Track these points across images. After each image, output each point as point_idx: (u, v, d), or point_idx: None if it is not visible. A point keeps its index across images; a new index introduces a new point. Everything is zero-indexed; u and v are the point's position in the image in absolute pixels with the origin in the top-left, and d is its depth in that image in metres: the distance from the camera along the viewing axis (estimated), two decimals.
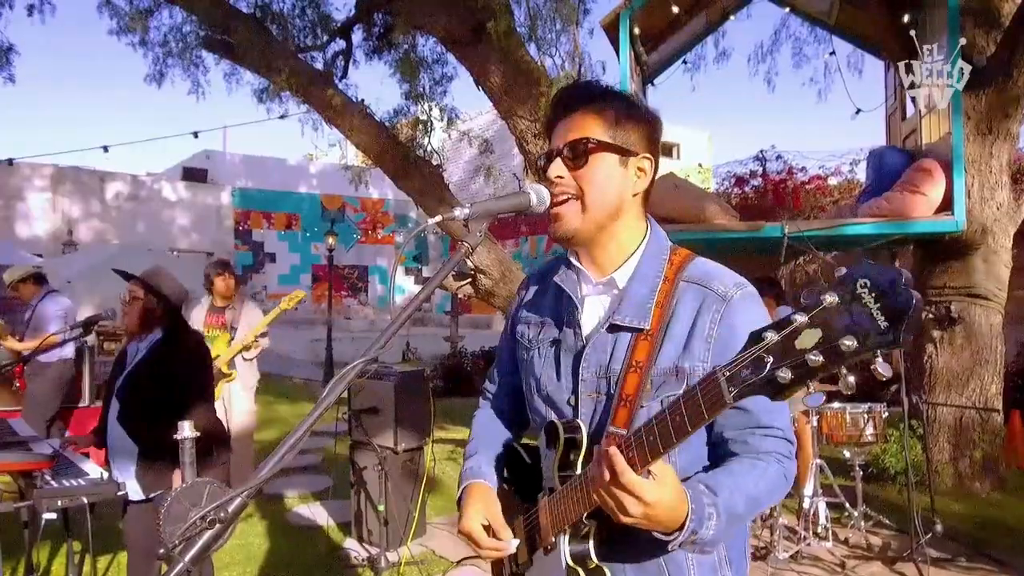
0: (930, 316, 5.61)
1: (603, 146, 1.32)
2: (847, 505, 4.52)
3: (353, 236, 20.71)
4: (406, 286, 22.31)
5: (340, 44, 8.20)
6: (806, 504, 4.44)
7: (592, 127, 1.33)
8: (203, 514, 0.85)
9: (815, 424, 4.51)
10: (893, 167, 5.79)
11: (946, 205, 5.15)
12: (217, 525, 0.87)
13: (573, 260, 1.41)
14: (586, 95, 1.37)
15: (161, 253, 14.38)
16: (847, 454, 4.65)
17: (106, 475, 2.87)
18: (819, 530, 4.41)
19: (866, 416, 4.48)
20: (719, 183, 14.04)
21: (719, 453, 1.30)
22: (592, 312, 1.38)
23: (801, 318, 0.86)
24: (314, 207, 20.91)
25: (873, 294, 0.82)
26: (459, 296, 8.06)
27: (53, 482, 2.70)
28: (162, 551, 0.84)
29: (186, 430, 1.04)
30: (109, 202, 17.86)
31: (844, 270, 0.86)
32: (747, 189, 12.51)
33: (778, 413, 1.27)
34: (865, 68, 8.47)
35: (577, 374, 1.34)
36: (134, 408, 3.31)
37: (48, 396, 6.26)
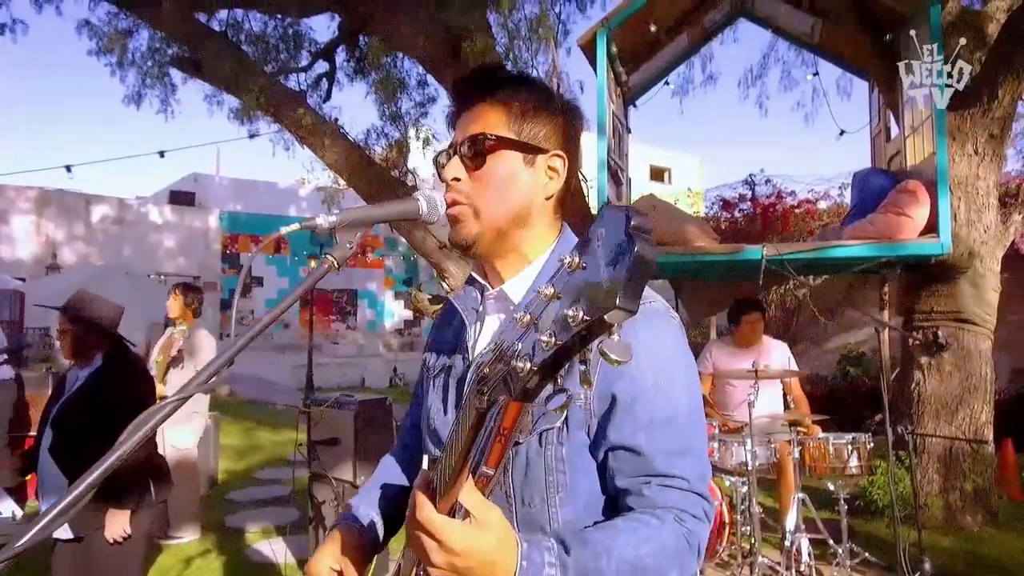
0: (917, 342, 5.43)
1: (504, 143, 1.12)
2: (831, 541, 4.30)
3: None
4: (395, 311, 22.10)
5: (324, 66, 8.14)
6: (788, 540, 4.23)
7: (493, 120, 1.13)
8: None
9: (797, 455, 4.31)
10: (878, 189, 5.65)
11: (931, 227, 5.00)
12: None
13: (476, 275, 1.23)
14: (489, 83, 1.17)
15: (141, 276, 14.18)
16: (832, 486, 4.43)
17: (20, 513, 2.67)
18: (802, 567, 4.18)
19: (850, 447, 4.27)
20: (709, 207, 13.95)
21: (617, 508, 1.07)
22: (490, 332, 1.18)
23: (547, 288, 0.66)
24: (307, 231, 20.75)
25: (605, 246, 0.62)
26: (436, 320, 7.85)
27: None
28: None
29: None
30: (95, 225, 17.68)
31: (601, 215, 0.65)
32: (736, 213, 12.41)
33: (684, 458, 1.05)
34: (854, 90, 8.43)
35: (462, 404, 1.15)
36: (67, 439, 3.11)
37: None
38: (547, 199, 1.17)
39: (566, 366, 0.66)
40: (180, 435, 5.05)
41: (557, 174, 1.17)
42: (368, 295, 21.88)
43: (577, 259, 0.64)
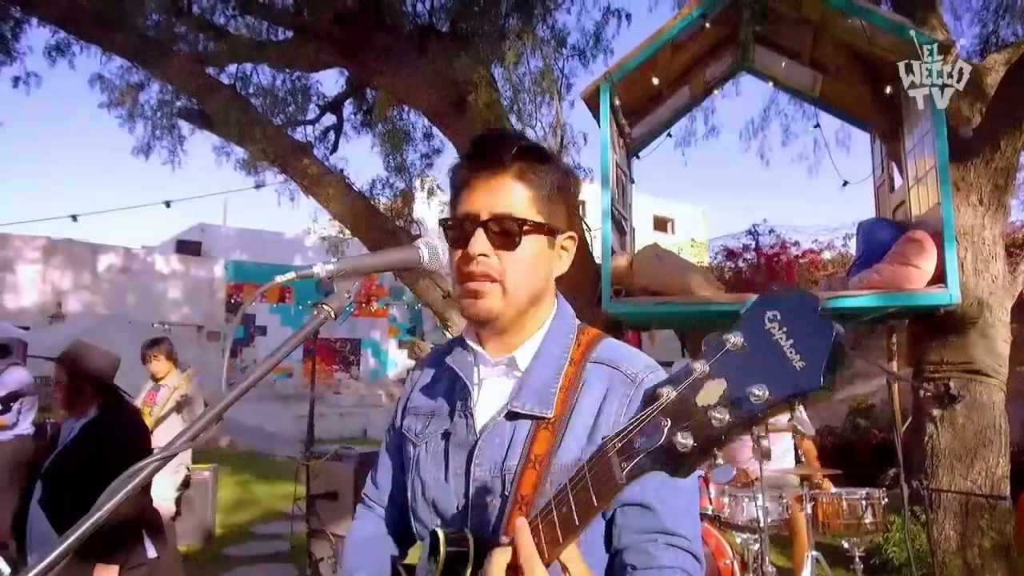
0: (929, 394, 5.33)
1: (537, 228, 1.12)
2: None
3: (346, 309, 20.54)
4: (399, 360, 21.97)
5: (331, 118, 8.27)
6: None
7: (523, 201, 1.12)
8: None
9: (809, 511, 4.18)
10: (883, 239, 5.63)
11: (939, 277, 4.96)
12: None
13: (469, 340, 1.20)
14: (516, 154, 1.13)
15: (145, 325, 14.15)
16: (846, 543, 4.29)
17: (7, 571, 2.58)
18: None
19: (864, 503, 4.15)
20: (712, 257, 13.98)
21: (616, 566, 1.06)
22: (489, 398, 1.15)
23: (701, 366, 0.68)
24: (309, 280, 20.79)
25: (784, 328, 0.65)
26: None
27: None
28: None
29: None
30: (100, 274, 17.76)
31: (751, 302, 0.69)
32: (740, 263, 12.42)
33: (688, 517, 1.07)
34: (852, 142, 8.51)
35: (469, 473, 1.10)
36: (59, 492, 3.05)
37: (6, 478, 5.91)
38: (557, 277, 1.21)
39: (726, 441, 0.68)
40: (164, 487, 4.94)
41: (568, 253, 1.21)
42: (372, 344, 21.80)
43: (742, 341, 0.66)
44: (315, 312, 0.98)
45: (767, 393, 0.63)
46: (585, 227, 6.09)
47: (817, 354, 0.61)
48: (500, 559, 0.87)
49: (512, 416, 1.10)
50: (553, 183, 1.15)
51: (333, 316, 0.97)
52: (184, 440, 0.81)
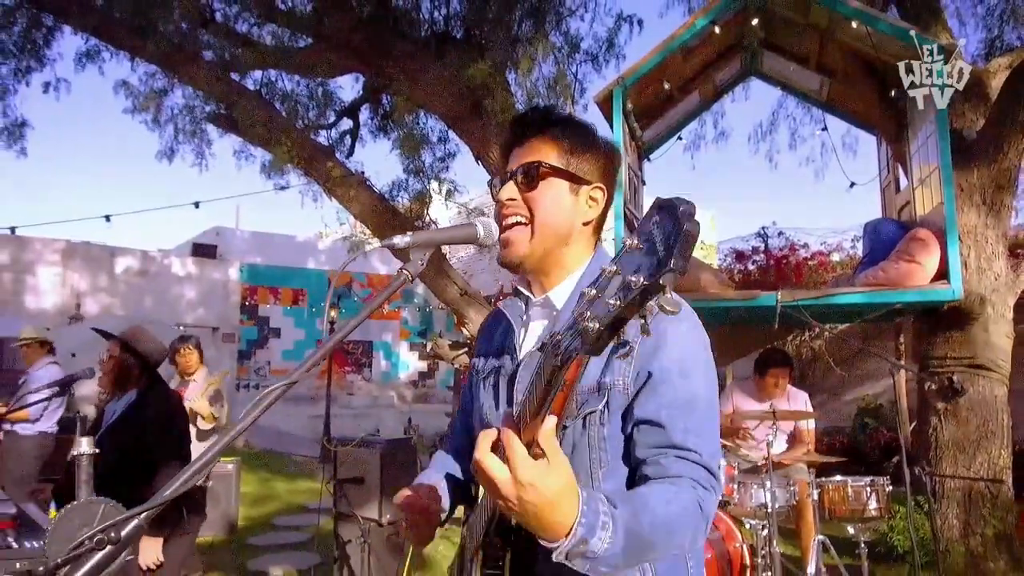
0: (933, 388, 5.48)
1: (555, 171, 1.33)
2: None
3: (361, 292, 20.70)
4: (410, 362, 22.21)
5: (348, 123, 8.49)
6: None
7: (546, 152, 1.34)
8: (92, 534, 0.80)
9: (816, 497, 4.35)
10: (889, 237, 5.79)
11: (942, 274, 5.12)
12: (108, 547, 0.82)
13: (521, 287, 1.41)
14: (544, 121, 1.38)
15: (168, 326, 14.39)
16: (851, 530, 4.45)
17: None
18: None
19: (868, 489, 4.31)
20: (722, 259, 14.09)
21: (636, 479, 1.22)
22: (533, 335, 1.36)
23: (609, 267, 0.82)
24: (321, 283, 20.99)
25: (660, 226, 0.79)
26: (456, 367, 7.99)
27: (15, 543, 2.62)
28: (42, 568, 0.78)
29: (83, 446, 1.14)
30: (118, 277, 18.05)
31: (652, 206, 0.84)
32: (749, 265, 12.53)
33: (699, 435, 1.20)
34: (859, 145, 8.68)
35: (512, 399, 1.30)
36: (105, 469, 3.23)
37: (22, 471, 6.09)
38: (585, 224, 1.37)
39: (628, 322, 0.81)
40: None
41: (596, 203, 1.37)
42: (384, 346, 22.01)
43: (636, 241, 0.81)
44: (396, 274, 1.16)
45: (641, 279, 0.76)
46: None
47: (672, 243, 0.76)
48: (484, 441, 1.02)
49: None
50: (578, 139, 1.35)
51: (411, 278, 1.16)
52: (303, 369, 1.00)
